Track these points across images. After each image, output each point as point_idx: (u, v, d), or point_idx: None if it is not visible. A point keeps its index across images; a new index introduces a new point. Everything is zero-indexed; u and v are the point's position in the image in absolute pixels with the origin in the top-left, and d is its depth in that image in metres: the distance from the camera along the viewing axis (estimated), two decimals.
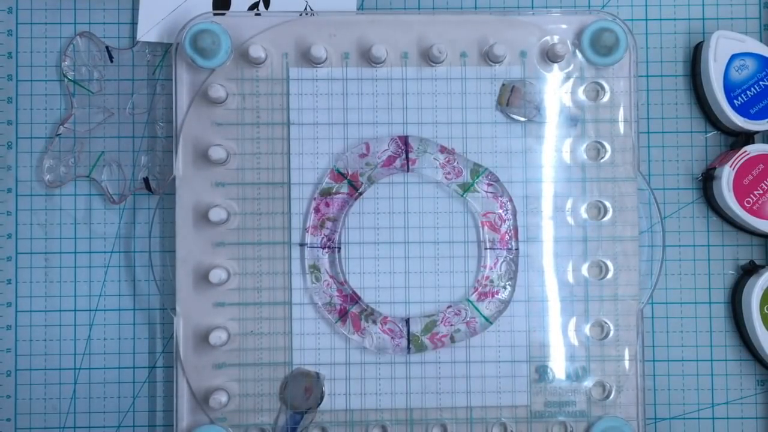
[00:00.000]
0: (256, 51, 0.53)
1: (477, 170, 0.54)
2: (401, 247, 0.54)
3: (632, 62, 0.54)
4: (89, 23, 0.57)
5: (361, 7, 0.57)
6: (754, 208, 0.54)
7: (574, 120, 0.54)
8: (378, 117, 0.54)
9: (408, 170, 0.54)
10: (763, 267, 0.55)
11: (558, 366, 0.54)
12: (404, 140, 0.54)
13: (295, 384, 0.53)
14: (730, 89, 0.55)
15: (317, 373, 0.54)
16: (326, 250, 0.54)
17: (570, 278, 0.54)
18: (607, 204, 0.54)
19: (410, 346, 0.54)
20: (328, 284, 0.54)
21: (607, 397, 0.54)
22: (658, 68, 0.57)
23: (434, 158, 0.54)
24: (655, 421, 0.56)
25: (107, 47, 0.56)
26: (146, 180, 0.56)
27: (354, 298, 0.54)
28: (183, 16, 0.55)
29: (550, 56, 0.54)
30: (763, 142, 0.56)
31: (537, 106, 0.54)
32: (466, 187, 0.54)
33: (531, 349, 0.54)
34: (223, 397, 0.52)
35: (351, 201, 0.54)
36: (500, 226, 0.54)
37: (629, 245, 0.54)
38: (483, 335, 0.54)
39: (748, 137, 0.55)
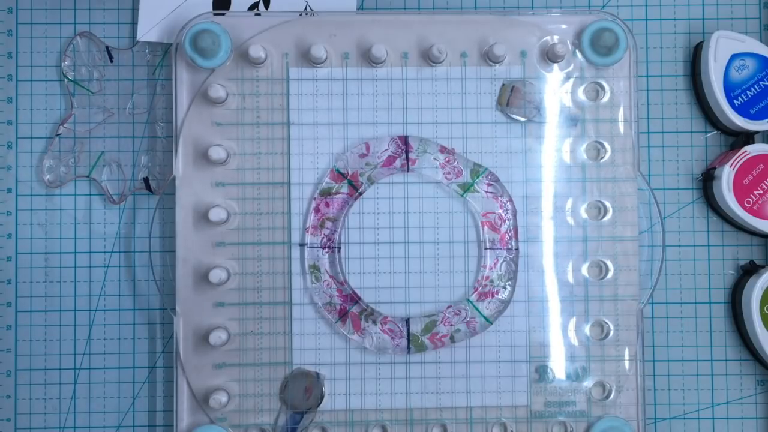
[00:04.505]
0: (256, 51, 0.53)
1: (477, 170, 0.54)
2: (401, 247, 0.54)
3: (632, 62, 0.54)
4: (89, 23, 0.57)
5: (361, 7, 0.57)
6: (754, 208, 0.54)
7: (574, 120, 0.54)
8: (378, 117, 0.54)
9: (408, 170, 0.54)
10: (763, 267, 0.55)
11: (558, 366, 0.54)
12: (404, 140, 0.54)
13: (295, 384, 0.53)
14: (730, 89, 0.55)
15: (317, 373, 0.54)
16: (326, 250, 0.54)
17: (570, 278, 0.54)
18: (607, 204, 0.54)
19: (410, 346, 0.54)
20: (328, 284, 0.54)
21: (607, 397, 0.54)
22: (658, 68, 0.57)
23: (434, 158, 0.54)
24: (655, 421, 0.56)
25: (107, 47, 0.56)
26: (146, 180, 0.56)
27: (354, 298, 0.54)
28: (183, 16, 0.55)
29: (550, 56, 0.54)
30: (763, 142, 0.56)
31: (537, 106, 0.54)
32: (466, 187, 0.54)
33: (531, 349, 0.54)
34: (223, 397, 0.52)
35: (351, 201, 0.54)
36: (500, 226, 0.54)
37: (629, 245, 0.54)
38: (483, 335, 0.54)
39: (748, 137, 0.55)
